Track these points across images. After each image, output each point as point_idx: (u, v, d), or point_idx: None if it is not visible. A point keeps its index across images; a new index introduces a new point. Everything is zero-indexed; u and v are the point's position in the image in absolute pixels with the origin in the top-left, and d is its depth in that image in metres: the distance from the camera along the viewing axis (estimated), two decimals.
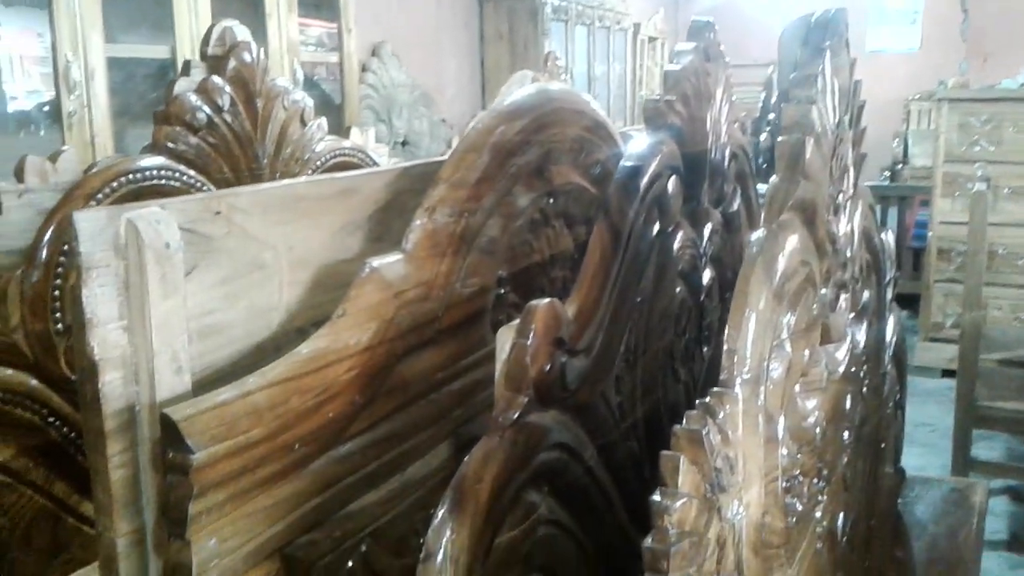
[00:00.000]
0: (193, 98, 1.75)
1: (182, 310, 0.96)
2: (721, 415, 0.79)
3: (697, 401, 0.80)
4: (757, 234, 0.94)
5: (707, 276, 1.65)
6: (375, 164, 2.36)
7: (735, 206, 1.80)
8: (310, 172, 2.09)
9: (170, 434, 0.88)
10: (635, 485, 1.35)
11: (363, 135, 2.43)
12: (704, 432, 0.75)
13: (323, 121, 2.14)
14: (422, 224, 1.24)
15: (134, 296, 0.93)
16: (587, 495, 1.19)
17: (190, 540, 0.89)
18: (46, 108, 2.88)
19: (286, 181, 1.22)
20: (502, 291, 1.43)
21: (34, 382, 1.48)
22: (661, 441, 1.49)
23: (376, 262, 1.16)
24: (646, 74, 8.28)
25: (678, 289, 1.52)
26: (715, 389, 0.83)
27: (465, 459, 0.93)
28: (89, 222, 0.90)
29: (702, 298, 1.64)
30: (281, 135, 1.98)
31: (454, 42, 5.95)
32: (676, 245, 1.47)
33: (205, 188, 1.78)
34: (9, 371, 1.44)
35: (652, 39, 8.49)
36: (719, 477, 0.76)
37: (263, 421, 0.96)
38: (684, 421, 0.76)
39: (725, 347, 0.87)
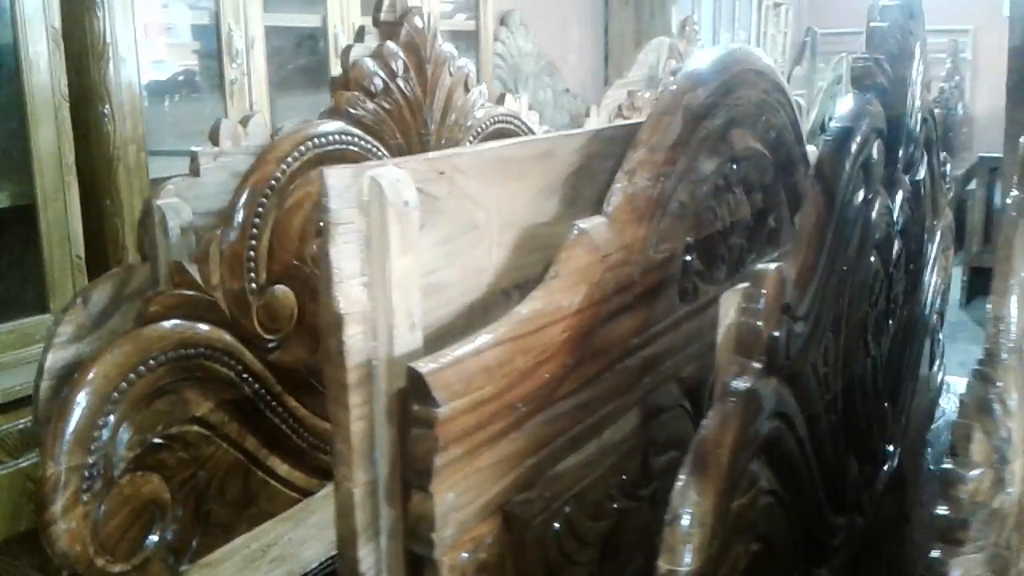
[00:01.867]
0: (370, 63, 1.77)
1: (416, 268, 0.97)
2: (999, 385, 0.76)
3: (973, 369, 0.76)
4: (1016, 195, 0.89)
5: (896, 246, 1.59)
6: (531, 131, 2.35)
7: (921, 174, 1.72)
8: (472, 139, 2.10)
9: (416, 388, 0.90)
10: (832, 460, 1.31)
11: (516, 101, 2.42)
12: (991, 401, 0.71)
13: (484, 88, 2.14)
14: (623, 188, 1.23)
15: (375, 252, 0.94)
16: (796, 468, 1.16)
17: (433, 493, 0.90)
18: (181, 78, 2.97)
19: (497, 143, 1.22)
20: (688, 258, 1.41)
21: (230, 338, 1.53)
22: (854, 416, 1.45)
23: (584, 224, 1.15)
24: (769, 42, 8.05)
25: (872, 259, 1.47)
26: (984, 358, 0.79)
27: (703, 423, 0.92)
28: (337, 179, 0.91)
29: (891, 269, 1.58)
30: (447, 101, 1.99)
31: (579, 10, 5.89)
32: (874, 213, 1.41)
33: (381, 154, 1.81)
34: (210, 328, 1.49)
35: (777, 5, 8.23)
36: (1004, 448, 0.72)
37: (493, 379, 0.97)
38: (967, 389, 0.73)
39: (990, 314, 0.82)
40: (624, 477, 1.30)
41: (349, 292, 0.93)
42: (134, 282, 1.49)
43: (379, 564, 0.98)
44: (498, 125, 2.18)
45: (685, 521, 0.84)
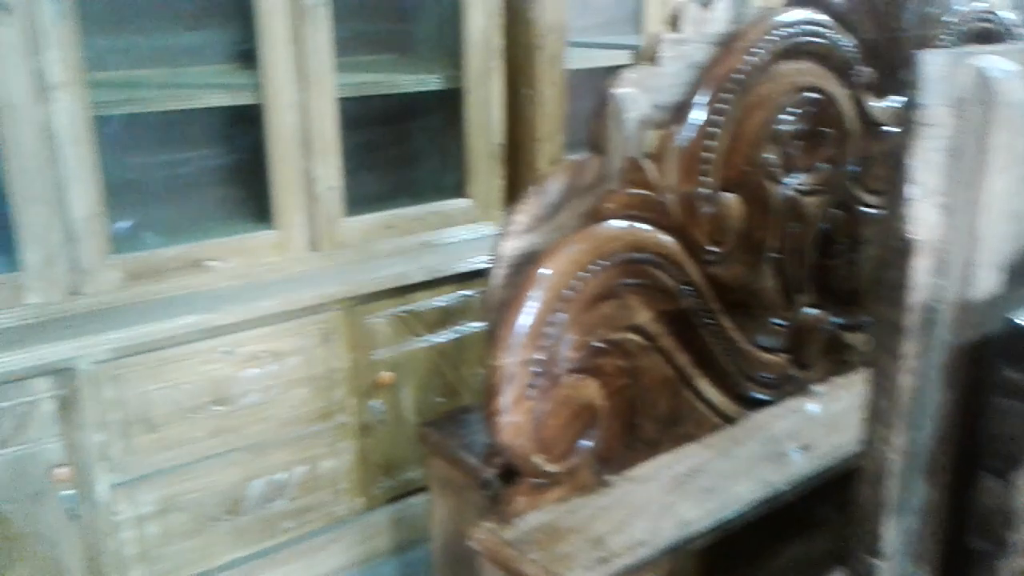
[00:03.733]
0: None
1: (1015, 195, 0.76)
2: None
3: None
4: None
5: None
6: (1011, 31, 1.96)
7: None
8: (950, 38, 1.78)
9: (1012, 347, 0.70)
10: None
11: None
12: None
13: None
14: None
15: (966, 167, 0.74)
16: None
17: (1017, 484, 0.71)
18: None
19: None
20: None
21: (676, 245, 1.42)
22: None
23: None
24: None
25: None
26: None
27: None
28: (934, 67, 0.72)
29: None
30: None
31: None
32: None
33: (851, 51, 1.57)
34: (659, 232, 1.39)
35: None
36: None
37: None
38: None
39: None
40: None
41: (923, 214, 0.74)
42: (586, 175, 1.41)
43: (905, 545, 0.81)
44: (981, 24, 1.83)
45: None
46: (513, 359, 1.27)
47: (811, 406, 1.71)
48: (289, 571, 2.14)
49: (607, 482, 1.45)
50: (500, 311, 1.34)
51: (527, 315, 1.27)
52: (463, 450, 1.53)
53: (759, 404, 1.65)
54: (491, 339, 1.32)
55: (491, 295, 1.38)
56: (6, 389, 1.69)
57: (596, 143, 1.41)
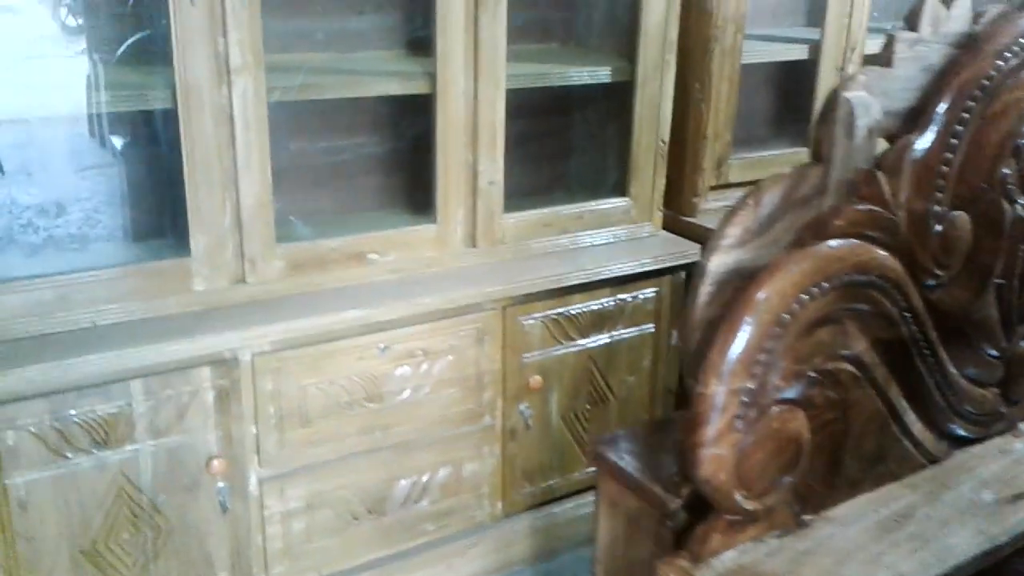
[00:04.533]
0: None
1: None
2: None
3: None
4: None
5: None
6: None
7: None
8: None
9: None
10: None
11: None
12: None
13: None
14: None
15: None
16: None
17: None
18: None
19: None
20: None
21: (900, 267, 1.28)
22: None
23: None
24: None
25: None
26: None
27: None
28: None
29: None
30: None
31: None
32: None
33: None
34: (886, 253, 1.25)
35: None
36: None
37: None
38: None
39: None
40: None
41: None
42: (804, 186, 1.28)
43: None
44: None
45: None
46: (723, 387, 1.16)
47: (1020, 445, 1.55)
48: (427, 575, 2.08)
49: (805, 522, 1.32)
50: (705, 332, 1.23)
51: (741, 340, 1.15)
52: (642, 474, 1.43)
53: (962, 442, 1.50)
54: (697, 363, 1.21)
55: (693, 313, 1.26)
56: (170, 377, 1.67)
57: (819, 151, 1.28)
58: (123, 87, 1.66)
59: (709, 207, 2.33)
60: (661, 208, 2.25)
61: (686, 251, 2.20)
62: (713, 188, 2.32)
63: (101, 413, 1.62)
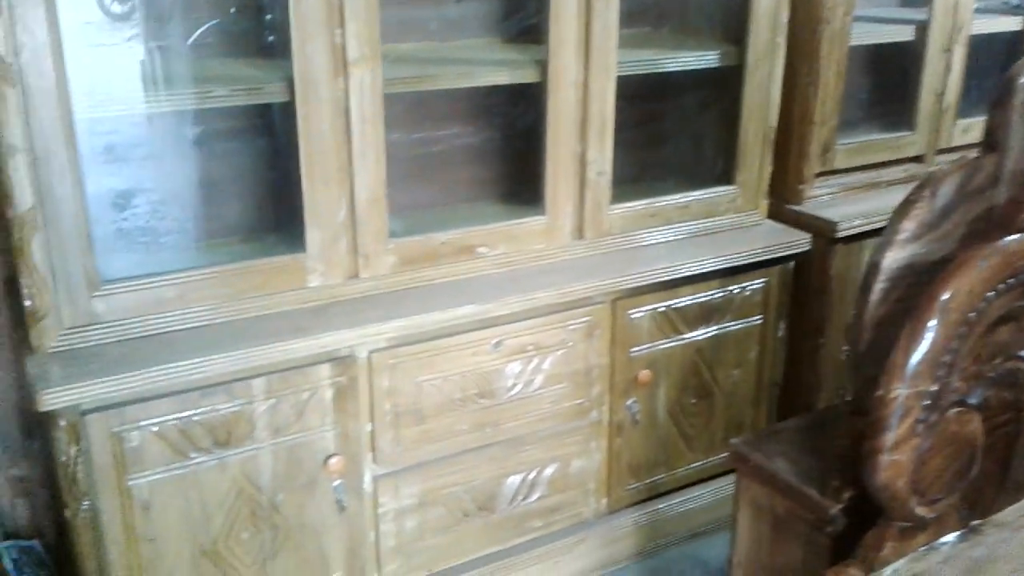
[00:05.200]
0: None
1: None
2: None
3: None
4: None
5: None
6: None
7: None
8: None
9: None
10: None
11: None
12: None
13: None
14: None
15: None
16: None
17: None
18: None
19: None
20: None
21: None
22: None
23: None
24: None
25: None
26: None
27: None
28: None
29: None
30: None
31: None
32: None
33: None
34: None
35: None
36: None
37: None
38: None
39: None
40: None
41: None
42: (979, 176, 1.21)
43: None
44: None
45: None
46: (906, 391, 1.10)
47: None
48: (533, 572, 2.04)
49: (976, 528, 1.27)
50: (878, 331, 1.17)
51: (927, 341, 1.10)
52: (795, 477, 1.38)
53: None
54: (868, 363, 1.15)
55: (865, 312, 1.20)
56: (290, 375, 1.64)
57: (993, 139, 1.21)
58: (234, 80, 1.63)
59: (815, 194, 2.25)
60: (767, 196, 2.19)
61: (794, 240, 2.13)
62: (819, 175, 2.25)
63: (223, 412, 1.60)
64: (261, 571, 1.72)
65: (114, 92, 1.55)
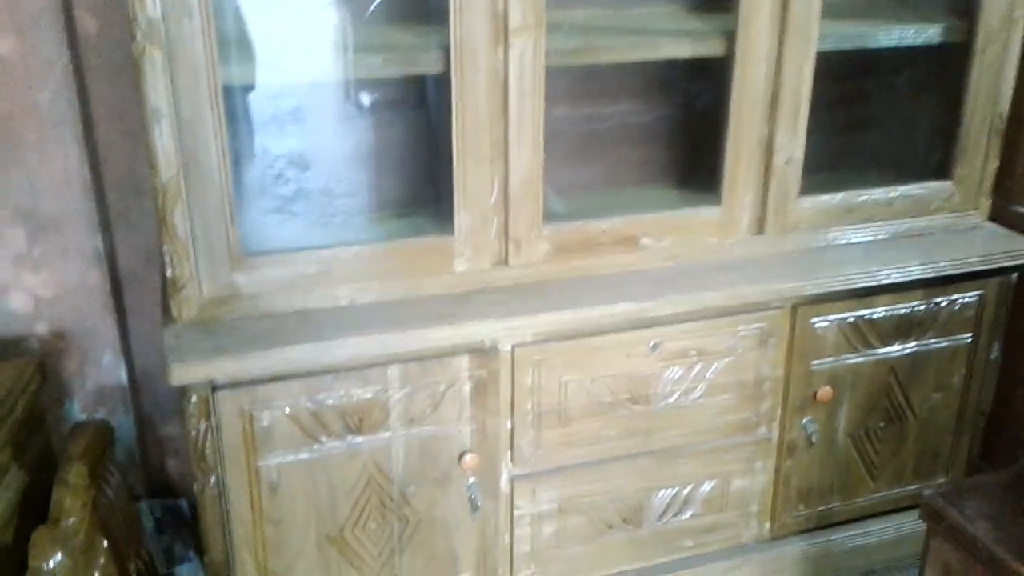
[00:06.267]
0: None
1: None
2: None
3: None
4: None
5: None
6: None
7: None
8: None
9: None
10: None
11: None
12: None
13: None
14: None
15: None
16: None
17: None
18: None
19: None
20: None
21: None
22: None
23: None
24: None
25: None
26: None
27: None
28: None
29: None
30: None
31: None
32: None
33: None
34: None
35: None
36: None
37: None
38: None
39: None
40: None
41: None
42: None
43: None
44: None
45: None
46: None
47: None
48: None
49: None
50: None
51: None
52: (999, 546, 1.13)
53: None
54: None
55: None
56: (428, 364, 1.54)
57: None
58: (387, 49, 1.53)
59: None
60: (989, 195, 1.87)
61: (1019, 249, 1.81)
62: None
63: (356, 398, 1.52)
64: (388, 563, 1.65)
65: (270, 59, 1.49)
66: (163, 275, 1.51)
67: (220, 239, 1.47)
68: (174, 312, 1.49)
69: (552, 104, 1.57)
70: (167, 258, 1.45)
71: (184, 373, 1.40)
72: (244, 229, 1.51)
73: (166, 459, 1.98)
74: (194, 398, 1.43)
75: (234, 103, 1.50)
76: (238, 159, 1.57)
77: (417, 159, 1.72)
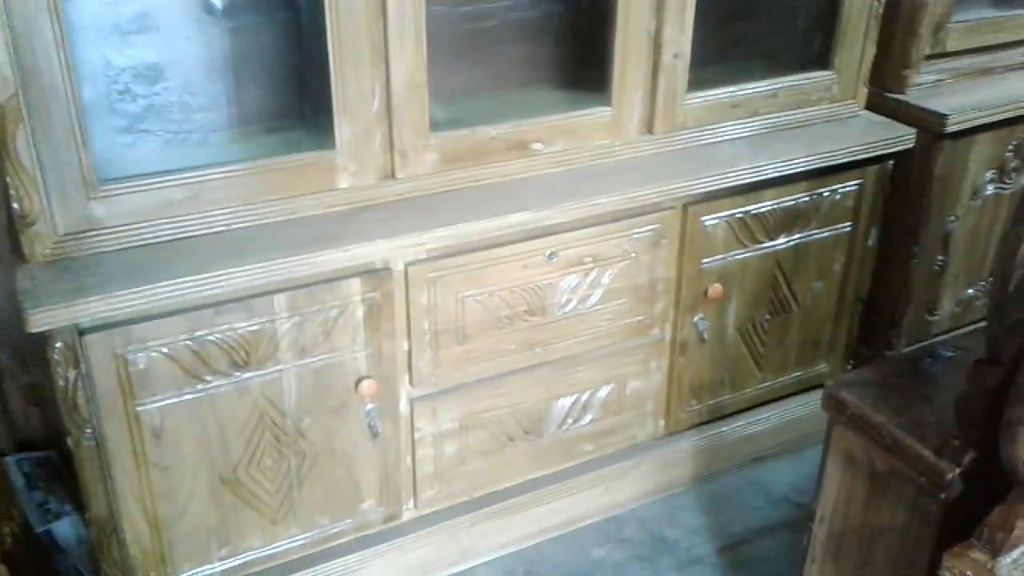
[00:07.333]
0: None
1: None
2: None
3: None
4: None
5: None
6: None
7: None
8: None
9: None
10: None
11: None
12: None
13: None
14: None
15: None
16: None
17: None
18: None
19: None
20: None
21: None
22: None
23: None
24: None
25: None
26: None
27: None
28: None
29: None
30: None
31: None
32: None
33: None
34: None
35: None
36: None
37: None
38: None
39: None
40: None
41: None
42: None
43: None
44: None
45: None
46: None
47: None
48: (584, 498, 1.88)
49: None
50: None
51: None
52: (903, 431, 1.16)
53: None
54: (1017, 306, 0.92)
55: (1018, 245, 0.96)
56: (316, 290, 1.44)
57: None
58: None
59: (921, 81, 1.95)
60: (867, 84, 1.89)
61: (898, 136, 1.85)
62: (928, 58, 1.94)
63: (241, 331, 1.42)
64: (287, 499, 1.57)
65: None
66: (8, 210, 1.34)
67: (71, 165, 1.31)
68: (25, 250, 1.32)
69: (434, 1, 1.46)
70: (12, 191, 1.28)
71: (44, 318, 1.25)
72: (97, 154, 1.35)
73: (29, 409, 1.81)
74: (59, 345, 1.29)
75: (70, 10, 1.32)
76: (88, 72, 1.39)
77: (286, 65, 1.57)
